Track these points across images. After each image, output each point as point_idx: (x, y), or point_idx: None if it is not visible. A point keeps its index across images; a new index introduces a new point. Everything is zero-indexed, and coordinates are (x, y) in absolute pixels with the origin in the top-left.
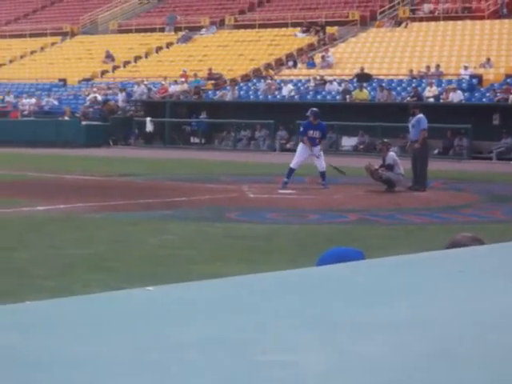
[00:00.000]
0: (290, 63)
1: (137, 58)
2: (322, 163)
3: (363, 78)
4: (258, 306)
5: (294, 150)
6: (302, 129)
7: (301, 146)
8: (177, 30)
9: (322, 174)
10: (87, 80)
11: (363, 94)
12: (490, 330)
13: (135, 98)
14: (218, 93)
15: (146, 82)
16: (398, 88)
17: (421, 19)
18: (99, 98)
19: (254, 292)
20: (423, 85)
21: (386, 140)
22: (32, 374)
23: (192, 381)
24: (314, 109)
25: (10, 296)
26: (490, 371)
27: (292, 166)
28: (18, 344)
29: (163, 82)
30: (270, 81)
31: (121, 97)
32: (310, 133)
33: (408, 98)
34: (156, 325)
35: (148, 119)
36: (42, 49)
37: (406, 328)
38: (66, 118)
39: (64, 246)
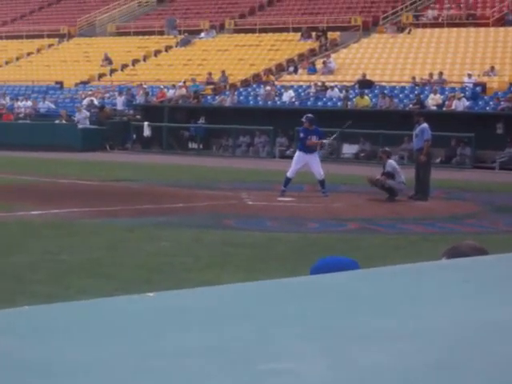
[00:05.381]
0: (291, 68)
1: (135, 62)
2: (319, 171)
3: (365, 84)
4: (258, 314)
5: (293, 157)
6: (302, 135)
7: (297, 155)
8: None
9: (321, 183)
10: (84, 83)
11: (365, 101)
12: (494, 340)
13: (139, 101)
14: (217, 98)
15: (144, 86)
16: (401, 95)
17: (424, 25)
18: (95, 101)
19: (254, 300)
20: (426, 92)
21: (386, 148)
22: (30, 381)
23: None
24: (309, 115)
25: (4, 302)
26: (494, 382)
27: (288, 175)
28: (16, 350)
29: (161, 86)
30: (269, 87)
31: (119, 100)
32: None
33: (410, 106)
34: (157, 331)
35: (146, 124)
36: (39, 50)
37: (409, 338)
38: (63, 121)
39: (59, 251)
